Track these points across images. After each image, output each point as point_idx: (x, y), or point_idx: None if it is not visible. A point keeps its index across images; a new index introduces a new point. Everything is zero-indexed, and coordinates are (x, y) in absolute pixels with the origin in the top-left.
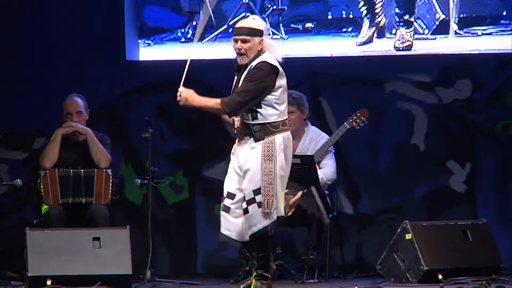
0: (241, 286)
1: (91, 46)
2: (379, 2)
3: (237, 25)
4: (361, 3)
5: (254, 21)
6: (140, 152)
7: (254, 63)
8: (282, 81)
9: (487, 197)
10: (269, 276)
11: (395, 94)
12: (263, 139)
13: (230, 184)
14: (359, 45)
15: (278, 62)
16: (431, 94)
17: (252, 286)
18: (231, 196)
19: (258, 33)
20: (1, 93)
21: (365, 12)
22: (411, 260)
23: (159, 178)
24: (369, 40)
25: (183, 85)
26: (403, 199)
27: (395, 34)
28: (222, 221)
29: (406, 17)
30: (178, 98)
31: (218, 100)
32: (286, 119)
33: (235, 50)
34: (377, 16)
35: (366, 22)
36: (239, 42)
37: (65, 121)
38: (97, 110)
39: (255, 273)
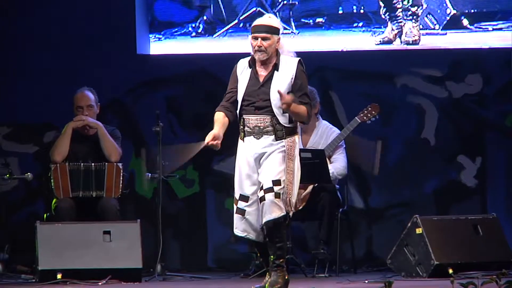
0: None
1: (103, 40)
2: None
3: (256, 23)
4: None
5: (271, 20)
6: (150, 146)
7: (287, 62)
8: None
9: (498, 191)
10: (284, 265)
11: (406, 89)
12: (285, 138)
13: (242, 186)
14: (378, 44)
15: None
16: (442, 89)
17: (268, 279)
18: (244, 198)
19: (276, 31)
20: (14, 86)
21: (387, 15)
22: (422, 255)
23: (169, 172)
24: (389, 41)
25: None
26: (413, 193)
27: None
28: (237, 222)
29: (414, 8)
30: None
31: (306, 109)
32: None
33: (255, 47)
34: (399, 19)
35: (389, 25)
36: (259, 39)
37: (76, 114)
38: (108, 104)
39: (272, 264)
